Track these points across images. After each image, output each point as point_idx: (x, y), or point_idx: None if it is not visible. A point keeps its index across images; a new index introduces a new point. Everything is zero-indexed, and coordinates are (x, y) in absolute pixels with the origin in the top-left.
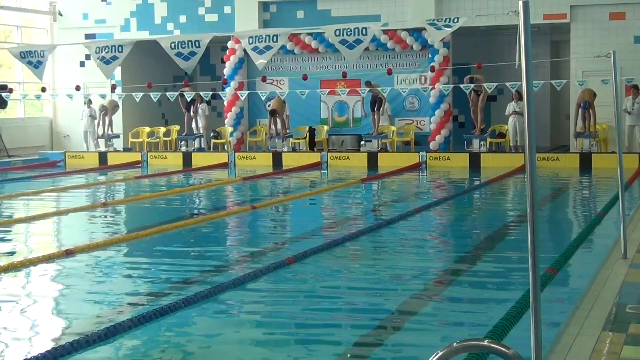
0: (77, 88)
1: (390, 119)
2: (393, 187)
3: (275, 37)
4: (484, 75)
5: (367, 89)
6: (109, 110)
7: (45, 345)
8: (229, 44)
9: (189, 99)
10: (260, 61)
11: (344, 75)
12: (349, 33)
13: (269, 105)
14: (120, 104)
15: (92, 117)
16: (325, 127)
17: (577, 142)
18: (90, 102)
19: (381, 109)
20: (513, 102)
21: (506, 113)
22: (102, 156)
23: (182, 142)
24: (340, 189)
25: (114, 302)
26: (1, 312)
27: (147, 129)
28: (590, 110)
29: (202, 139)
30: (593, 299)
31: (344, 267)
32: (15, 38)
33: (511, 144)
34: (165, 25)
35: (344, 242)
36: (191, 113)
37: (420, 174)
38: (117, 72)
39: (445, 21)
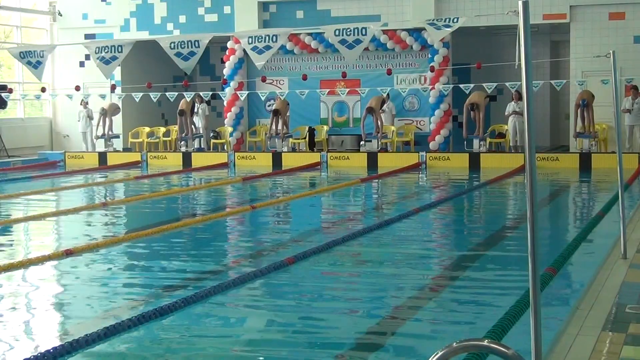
0: (77, 88)
1: (392, 118)
2: (393, 187)
3: (274, 37)
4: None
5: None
6: (108, 112)
7: (45, 345)
8: (229, 44)
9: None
10: (259, 61)
11: (344, 75)
12: (348, 33)
13: (270, 105)
14: (120, 104)
15: (89, 117)
16: (325, 127)
17: (577, 142)
18: (86, 103)
19: (384, 106)
20: (513, 102)
21: (506, 113)
22: (102, 156)
23: (182, 142)
24: (340, 189)
25: (113, 302)
26: (1, 312)
27: (147, 129)
28: (589, 111)
29: (201, 139)
30: (593, 299)
31: (343, 267)
32: (15, 38)
33: (511, 144)
34: (165, 25)
35: (343, 243)
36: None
37: (420, 174)
38: (117, 72)
39: (445, 21)
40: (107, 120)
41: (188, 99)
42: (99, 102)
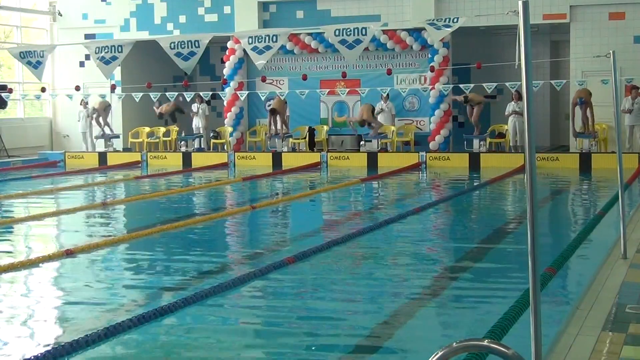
0: (77, 88)
1: (392, 118)
2: (393, 187)
3: (274, 37)
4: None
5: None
6: (100, 111)
7: (45, 345)
8: (229, 44)
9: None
10: (259, 61)
11: (344, 75)
12: (348, 33)
13: (269, 105)
14: (120, 104)
15: (90, 117)
16: (325, 127)
17: (577, 142)
18: (86, 102)
19: (383, 106)
20: (513, 102)
21: (506, 113)
22: (102, 156)
23: (182, 142)
24: (340, 189)
25: (114, 302)
26: (1, 312)
27: (147, 129)
28: (588, 110)
29: (201, 139)
30: (593, 299)
31: (343, 267)
32: (15, 38)
33: (511, 144)
34: (165, 25)
35: (343, 242)
36: (191, 113)
37: (420, 174)
38: (117, 72)
39: (445, 21)
40: (102, 120)
41: (187, 99)
42: (99, 102)
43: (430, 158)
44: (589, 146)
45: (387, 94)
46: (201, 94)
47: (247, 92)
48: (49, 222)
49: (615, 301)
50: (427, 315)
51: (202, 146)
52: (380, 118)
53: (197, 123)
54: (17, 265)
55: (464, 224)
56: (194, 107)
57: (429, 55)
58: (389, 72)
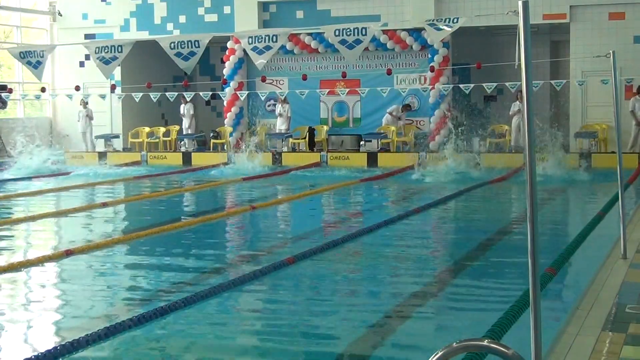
0: (77, 88)
1: (399, 124)
2: (392, 187)
3: (274, 37)
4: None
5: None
6: None
7: (45, 345)
8: (229, 44)
9: None
10: (259, 61)
11: (344, 75)
12: (348, 33)
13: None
14: (119, 104)
15: (89, 117)
16: (325, 127)
17: (577, 142)
18: (86, 103)
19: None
20: (517, 102)
21: (510, 112)
22: (102, 156)
23: (182, 142)
24: (340, 189)
25: (113, 302)
26: (2, 312)
27: (147, 129)
28: None
29: (191, 139)
30: (593, 299)
31: (343, 268)
32: (15, 38)
33: (512, 143)
34: (165, 25)
35: (343, 243)
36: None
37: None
38: (117, 72)
39: (445, 21)
40: None
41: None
42: (99, 102)
43: (430, 158)
44: (589, 146)
45: (408, 104)
46: (184, 94)
47: (247, 92)
48: (49, 222)
49: (615, 301)
50: (427, 315)
51: (199, 146)
52: (388, 119)
53: (185, 124)
54: (17, 265)
55: (463, 224)
56: (181, 108)
57: (429, 55)
58: (389, 72)
